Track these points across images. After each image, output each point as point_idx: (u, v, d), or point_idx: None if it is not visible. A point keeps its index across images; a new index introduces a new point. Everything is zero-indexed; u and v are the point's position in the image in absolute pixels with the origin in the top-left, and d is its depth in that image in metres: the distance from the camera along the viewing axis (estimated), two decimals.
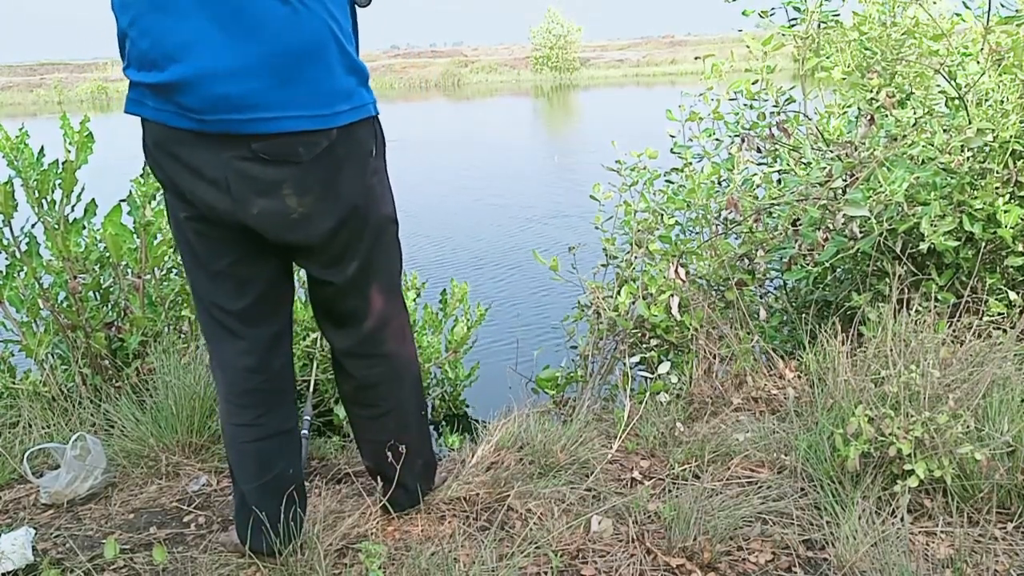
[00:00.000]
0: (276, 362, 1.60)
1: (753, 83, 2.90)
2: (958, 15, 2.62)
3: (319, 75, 1.37)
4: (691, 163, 2.97)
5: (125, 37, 1.34)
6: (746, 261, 2.73)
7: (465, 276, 5.26)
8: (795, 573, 1.61)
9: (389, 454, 1.74)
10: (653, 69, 47.83)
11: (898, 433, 1.74)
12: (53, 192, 2.50)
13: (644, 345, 2.79)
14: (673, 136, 3.05)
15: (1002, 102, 2.52)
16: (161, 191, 2.53)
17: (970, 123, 2.39)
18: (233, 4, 1.28)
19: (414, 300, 3.12)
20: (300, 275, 2.69)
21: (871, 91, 2.75)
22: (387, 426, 1.75)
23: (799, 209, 2.49)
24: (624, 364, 2.67)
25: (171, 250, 2.68)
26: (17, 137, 2.46)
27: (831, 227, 2.45)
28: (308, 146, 1.38)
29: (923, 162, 2.41)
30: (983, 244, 2.42)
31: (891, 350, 2.05)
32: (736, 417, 2.27)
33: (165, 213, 1.56)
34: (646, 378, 2.59)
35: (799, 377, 2.37)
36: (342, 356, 1.69)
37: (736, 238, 2.80)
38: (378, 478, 1.83)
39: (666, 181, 3.06)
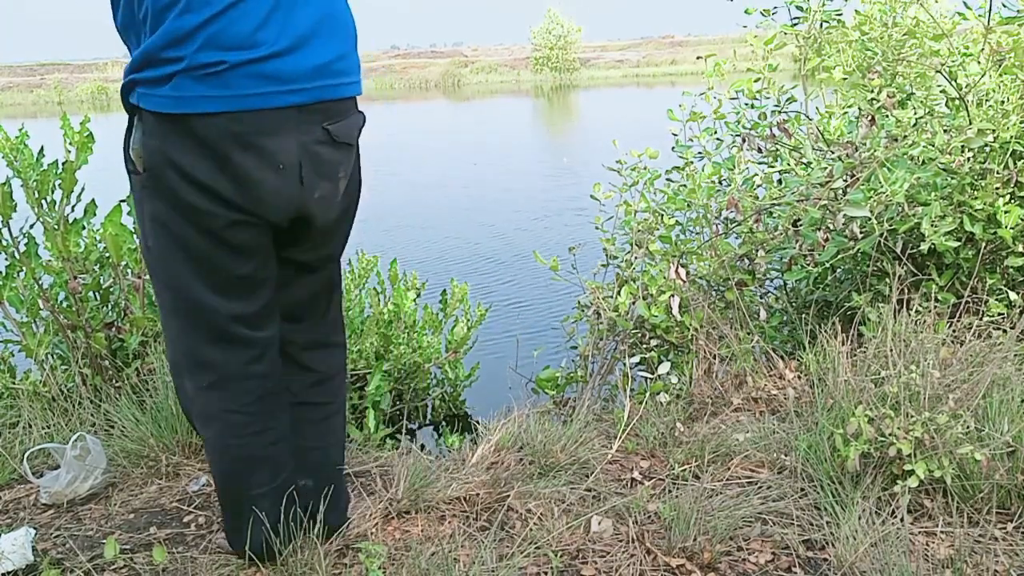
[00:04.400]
0: (279, 362, 1.59)
1: (755, 82, 2.90)
2: (960, 14, 2.62)
3: (356, 46, 1.49)
4: (692, 163, 2.97)
5: (212, 19, 1.26)
6: (746, 261, 2.73)
7: (465, 276, 5.27)
8: (795, 573, 1.61)
9: (334, 459, 1.72)
10: (653, 70, 47.80)
11: (898, 433, 1.74)
12: (53, 192, 2.50)
13: (644, 345, 2.79)
14: (675, 135, 3.04)
15: (1003, 102, 2.52)
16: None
17: (971, 123, 2.39)
18: None
19: (414, 300, 3.12)
20: None
21: (872, 91, 2.75)
22: (335, 426, 1.73)
23: (800, 209, 2.48)
24: (624, 364, 2.67)
25: None
26: (16, 138, 2.46)
27: (831, 227, 2.45)
28: (358, 128, 1.49)
29: (924, 162, 2.41)
30: (983, 244, 2.42)
31: (891, 350, 2.05)
32: (736, 417, 2.27)
33: (156, 247, 1.43)
34: (646, 378, 2.59)
35: (799, 377, 2.37)
36: (303, 350, 1.65)
37: (736, 238, 2.80)
38: (309, 496, 1.68)
39: (667, 180, 3.06)
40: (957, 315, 2.33)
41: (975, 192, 2.42)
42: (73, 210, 2.56)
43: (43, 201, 2.49)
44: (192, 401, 1.53)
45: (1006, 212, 2.32)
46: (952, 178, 2.43)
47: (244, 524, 1.59)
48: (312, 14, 1.36)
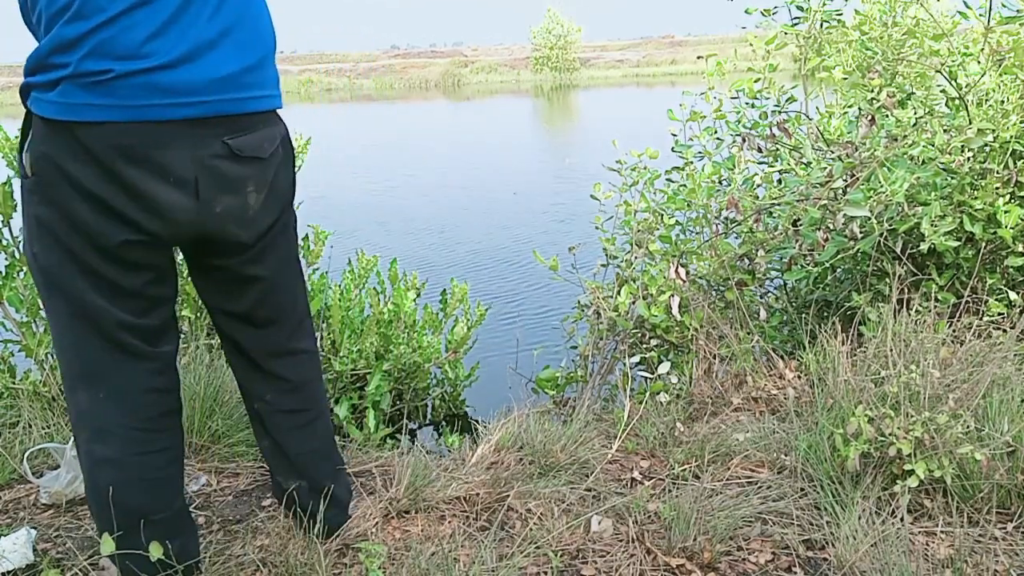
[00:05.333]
0: (178, 379, 1.55)
1: (755, 82, 2.90)
2: (960, 14, 2.62)
3: (272, 59, 1.44)
4: (692, 162, 2.97)
5: (101, 26, 1.23)
6: (746, 261, 2.73)
7: (465, 276, 5.27)
8: (795, 573, 1.61)
9: (324, 463, 1.71)
10: (653, 69, 47.84)
11: (898, 433, 1.74)
12: None
13: (644, 345, 2.79)
14: (675, 135, 3.05)
15: (1003, 102, 2.52)
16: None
17: (970, 123, 2.39)
18: None
19: (414, 300, 3.11)
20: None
21: (872, 91, 2.75)
22: (317, 431, 1.71)
23: (799, 209, 2.49)
24: (624, 364, 2.67)
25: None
26: (16, 137, 2.46)
27: (831, 227, 2.45)
28: (271, 142, 1.43)
29: (923, 162, 2.41)
30: (983, 244, 2.42)
31: (891, 350, 2.05)
32: (736, 417, 2.27)
33: (42, 254, 1.37)
34: (646, 378, 2.59)
35: (799, 377, 2.37)
36: (268, 357, 1.61)
37: (736, 238, 2.80)
38: (304, 498, 1.71)
39: (666, 180, 3.06)
40: (957, 315, 2.33)
41: (975, 192, 2.42)
42: None
43: None
44: (87, 415, 1.44)
45: (1006, 212, 2.32)
46: (952, 178, 2.43)
47: (134, 556, 1.46)
48: (218, 25, 1.31)
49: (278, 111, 1.48)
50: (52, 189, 1.31)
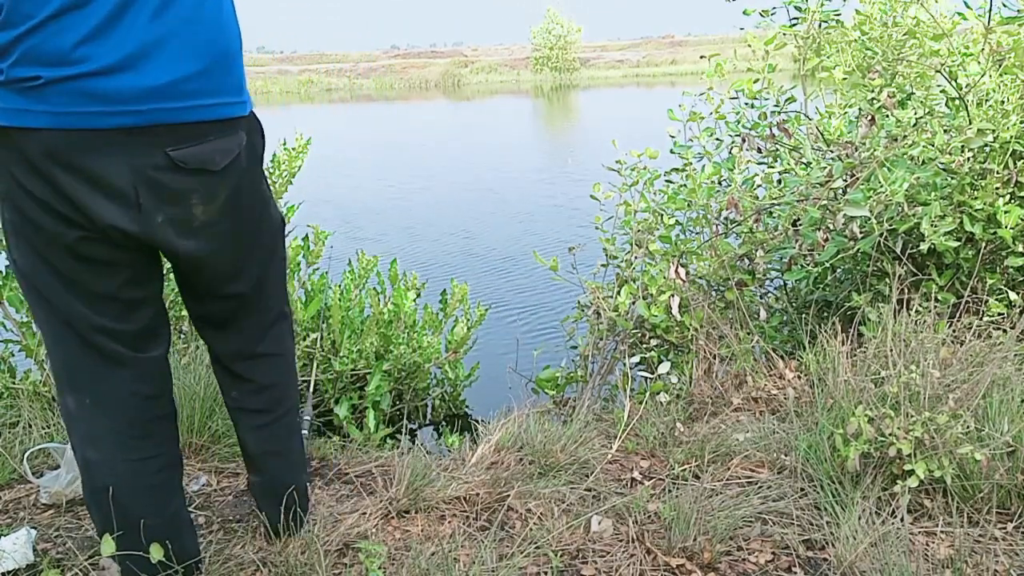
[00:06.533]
0: (170, 384, 1.53)
1: (755, 82, 2.90)
2: (960, 14, 2.62)
3: (238, 62, 1.38)
4: (691, 163, 2.97)
5: (29, 32, 1.20)
6: (746, 261, 2.73)
7: (465, 276, 5.27)
8: (795, 573, 1.61)
9: (281, 463, 1.70)
10: (653, 70, 47.85)
11: (898, 433, 1.74)
12: None
13: (644, 345, 2.80)
14: (673, 136, 3.05)
15: (1003, 102, 2.52)
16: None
17: (970, 123, 2.39)
18: None
19: (414, 300, 3.12)
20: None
21: (872, 91, 2.76)
22: (278, 434, 1.70)
23: (799, 209, 2.49)
24: (624, 364, 2.67)
25: None
26: None
27: (831, 227, 2.45)
28: (224, 153, 1.36)
29: (923, 162, 2.41)
30: (983, 244, 2.43)
31: (891, 350, 2.05)
32: (736, 417, 2.27)
33: (20, 258, 1.38)
34: (646, 378, 2.60)
35: (799, 377, 2.37)
36: (233, 359, 1.61)
37: (736, 238, 2.80)
38: (259, 493, 1.73)
39: (666, 181, 3.06)
40: (957, 315, 2.33)
41: (975, 192, 2.42)
42: None
43: None
44: (77, 420, 1.45)
45: (1006, 212, 2.32)
46: (952, 178, 2.43)
47: (134, 557, 1.48)
48: (160, 29, 1.24)
49: (242, 118, 1.39)
50: (12, 194, 1.30)
